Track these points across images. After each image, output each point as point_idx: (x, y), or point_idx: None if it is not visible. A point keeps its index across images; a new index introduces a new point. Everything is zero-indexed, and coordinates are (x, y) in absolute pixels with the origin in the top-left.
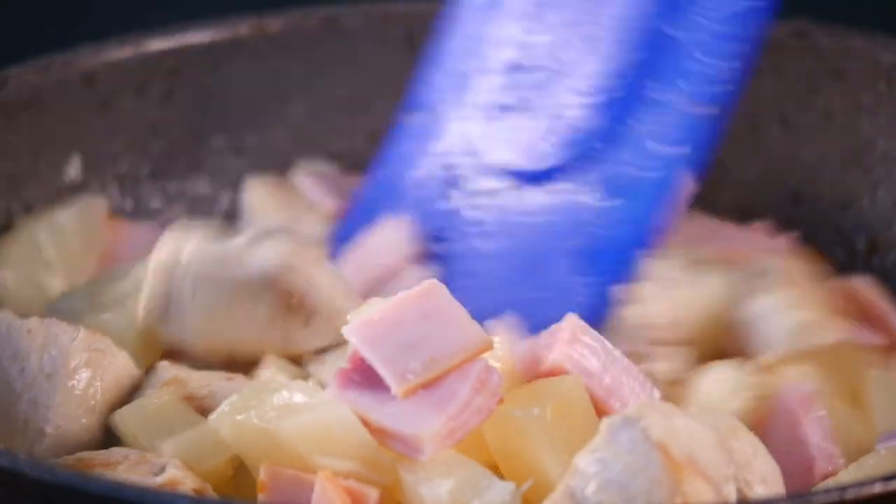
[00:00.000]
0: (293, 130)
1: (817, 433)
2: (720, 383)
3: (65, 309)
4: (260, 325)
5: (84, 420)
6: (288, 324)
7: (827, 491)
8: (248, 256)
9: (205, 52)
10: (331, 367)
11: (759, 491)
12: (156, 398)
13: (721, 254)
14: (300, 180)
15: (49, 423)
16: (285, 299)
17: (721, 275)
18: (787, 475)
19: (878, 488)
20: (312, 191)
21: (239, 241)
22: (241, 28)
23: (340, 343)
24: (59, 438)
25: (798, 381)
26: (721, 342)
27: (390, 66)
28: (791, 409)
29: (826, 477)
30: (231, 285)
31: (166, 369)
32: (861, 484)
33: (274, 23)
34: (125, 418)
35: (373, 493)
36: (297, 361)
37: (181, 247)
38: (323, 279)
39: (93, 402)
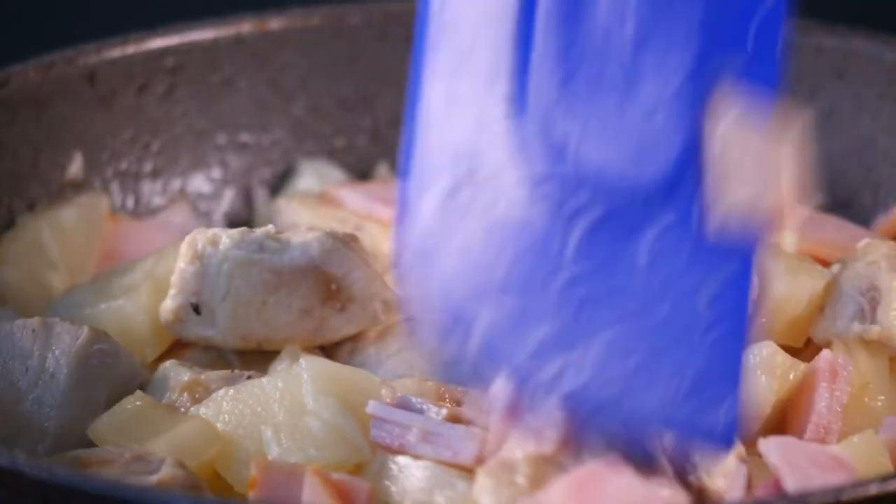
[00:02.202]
0: (294, 128)
1: (825, 401)
2: (761, 360)
3: (68, 304)
4: (296, 313)
5: (88, 420)
6: (325, 311)
7: (824, 492)
8: (290, 243)
9: (206, 50)
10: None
11: None
12: (129, 404)
13: (823, 245)
14: (338, 193)
15: (52, 423)
16: (326, 285)
17: (817, 273)
18: (783, 433)
19: (874, 489)
20: (360, 202)
21: (274, 230)
22: (243, 26)
23: (368, 330)
24: (63, 438)
25: (837, 354)
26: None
27: (392, 64)
28: (818, 371)
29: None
30: (272, 272)
31: (177, 370)
32: (857, 485)
33: (275, 21)
34: (102, 429)
35: (363, 487)
36: (324, 351)
37: (217, 235)
38: (360, 264)
39: (97, 403)
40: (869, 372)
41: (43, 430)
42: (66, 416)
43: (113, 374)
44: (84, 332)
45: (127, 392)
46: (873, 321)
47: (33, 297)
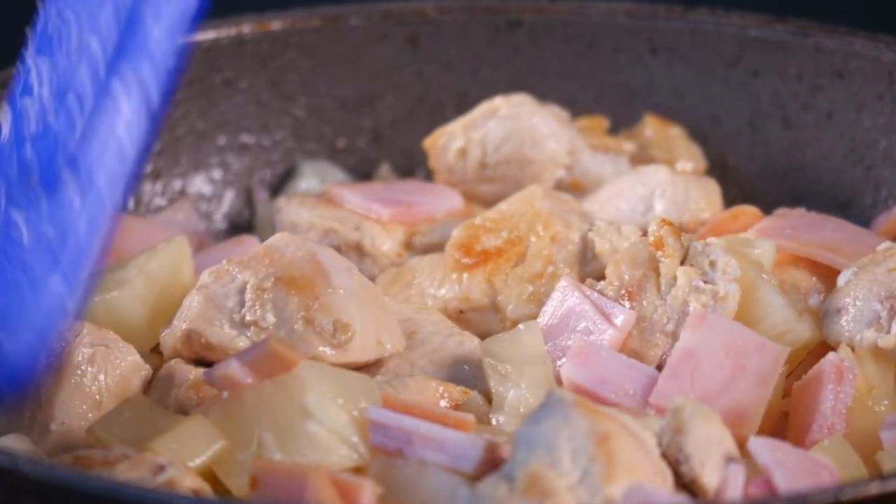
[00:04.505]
0: (295, 129)
1: (830, 402)
2: None
3: None
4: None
5: (90, 416)
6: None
7: (823, 492)
8: None
9: (207, 51)
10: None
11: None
12: (129, 404)
13: (823, 246)
14: (338, 192)
15: (54, 420)
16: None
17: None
18: (786, 430)
19: (873, 489)
20: (359, 202)
21: None
22: (244, 26)
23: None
24: (65, 435)
25: (843, 356)
26: None
27: (392, 64)
28: (823, 372)
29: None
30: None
31: (182, 368)
32: (857, 485)
33: (276, 21)
34: (102, 429)
35: (367, 486)
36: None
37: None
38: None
39: (98, 398)
40: (874, 377)
41: (44, 427)
42: (67, 413)
43: (116, 373)
44: (85, 328)
45: (130, 390)
46: (889, 330)
47: None
